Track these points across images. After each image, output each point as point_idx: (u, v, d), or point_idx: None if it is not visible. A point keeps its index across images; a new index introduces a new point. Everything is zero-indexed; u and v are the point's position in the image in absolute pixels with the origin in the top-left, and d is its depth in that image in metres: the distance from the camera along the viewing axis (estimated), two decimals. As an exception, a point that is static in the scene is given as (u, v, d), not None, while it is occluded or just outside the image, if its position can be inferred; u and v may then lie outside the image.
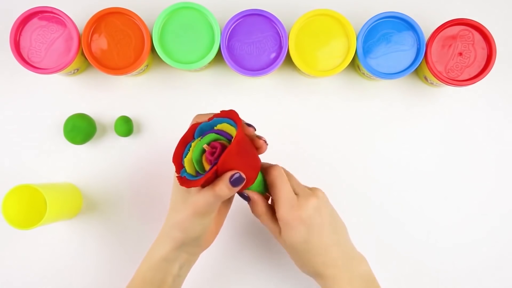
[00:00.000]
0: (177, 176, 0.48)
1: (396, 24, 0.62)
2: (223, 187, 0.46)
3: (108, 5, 0.61)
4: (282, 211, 0.51)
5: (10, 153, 0.66)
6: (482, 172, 0.67)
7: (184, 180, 0.47)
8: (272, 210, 0.54)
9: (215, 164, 0.46)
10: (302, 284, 0.66)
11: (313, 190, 0.54)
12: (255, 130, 0.50)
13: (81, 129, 0.63)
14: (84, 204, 0.66)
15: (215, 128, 0.49)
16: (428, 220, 0.67)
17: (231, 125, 0.48)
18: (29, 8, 0.60)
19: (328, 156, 0.67)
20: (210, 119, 0.50)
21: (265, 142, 0.50)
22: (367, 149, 0.67)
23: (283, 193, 0.51)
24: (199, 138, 0.48)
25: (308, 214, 0.51)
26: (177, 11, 0.61)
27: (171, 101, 0.67)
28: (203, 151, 0.48)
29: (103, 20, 0.61)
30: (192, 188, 0.49)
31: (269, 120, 0.67)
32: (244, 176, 0.47)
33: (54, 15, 0.61)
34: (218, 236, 0.55)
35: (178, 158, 0.49)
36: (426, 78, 0.65)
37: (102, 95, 0.67)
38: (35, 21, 0.61)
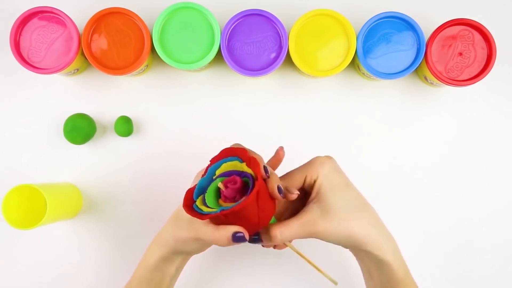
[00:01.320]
0: (184, 205, 0.46)
1: (396, 24, 0.62)
2: (224, 238, 0.45)
3: (108, 5, 0.61)
4: (308, 170, 0.50)
5: (10, 153, 0.66)
6: (482, 172, 0.67)
7: (191, 208, 0.46)
8: (288, 221, 0.49)
9: (229, 207, 0.44)
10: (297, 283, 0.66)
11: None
12: (268, 176, 0.47)
13: (81, 129, 0.63)
14: (84, 204, 0.66)
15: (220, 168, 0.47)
16: (428, 219, 0.67)
17: (237, 161, 0.46)
18: (29, 8, 0.60)
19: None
20: (207, 169, 0.48)
21: (297, 193, 0.48)
22: (367, 149, 0.67)
23: (296, 172, 0.51)
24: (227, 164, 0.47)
25: (333, 163, 0.51)
26: (177, 11, 0.61)
27: (171, 101, 0.67)
28: (217, 192, 0.47)
29: (103, 20, 0.61)
30: None
31: (269, 120, 0.67)
32: (247, 236, 0.45)
33: (54, 15, 0.61)
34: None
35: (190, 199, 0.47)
36: (426, 78, 0.65)
37: (102, 95, 0.67)
38: (35, 21, 0.61)
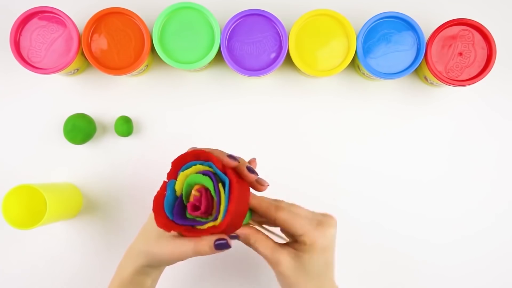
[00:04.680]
0: (155, 215, 0.44)
1: (396, 24, 0.62)
2: (205, 247, 0.44)
3: (108, 5, 0.61)
4: (308, 230, 0.48)
5: (10, 153, 0.66)
6: (482, 172, 0.67)
7: (165, 221, 0.44)
8: (268, 238, 0.51)
9: (212, 220, 0.43)
10: None
11: (327, 214, 0.50)
12: (239, 163, 0.45)
13: (81, 129, 0.63)
14: (84, 204, 0.66)
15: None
16: (427, 219, 0.67)
17: (209, 166, 0.45)
18: (29, 8, 0.60)
19: (328, 156, 0.67)
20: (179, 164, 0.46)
21: (268, 185, 0.48)
22: (366, 148, 0.67)
23: (300, 220, 0.48)
24: (184, 172, 0.45)
25: (332, 234, 0.49)
26: (177, 11, 0.61)
27: (171, 101, 0.67)
28: (189, 193, 0.45)
29: (103, 20, 0.61)
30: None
31: (268, 120, 0.67)
32: (230, 243, 0.44)
33: (54, 15, 0.61)
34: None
35: (160, 201, 0.45)
36: (426, 78, 0.65)
37: (102, 95, 0.67)
38: (35, 21, 0.61)
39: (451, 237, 0.67)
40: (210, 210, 0.44)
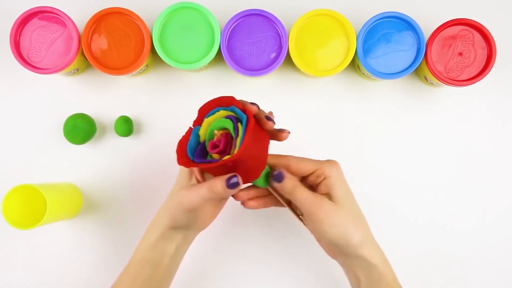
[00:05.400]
0: (177, 156, 0.46)
1: (396, 24, 0.62)
2: (218, 186, 0.46)
3: (108, 5, 0.61)
4: (320, 164, 0.52)
5: (10, 153, 0.66)
6: (482, 172, 0.67)
7: (186, 160, 0.46)
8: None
9: (225, 155, 0.45)
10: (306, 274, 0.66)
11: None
12: (259, 109, 0.47)
13: (81, 129, 0.63)
14: (84, 204, 0.66)
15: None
16: (427, 219, 0.67)
17: (235, 112, 0.47)
18: (29, 8, 0.60)
19: (328, 156, 0.67)
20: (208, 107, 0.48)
21: (289, 132, 0.50)
22: (366, 149, 0.67)
23: (310, 160, 0.52)
24: (208, 118, 0.47)
25: (338, 163, 0.53)
26: (177, 11, 0.61)
27: (171, 101, 0.67)
28: (212, 138, 0.47)
29: (103, 20, 0.61)
30: (187, 180, 0.50)
31: (269, 120, 0.67)
32: (241, 181, 0.46)
33: (54, 15, 0.61)
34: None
35: (184, 145, 0.48)
36: (426, 78, 0.65)
37: (102, 95, 0.67)
38: (35, 21, 0.61)
39: (452, 238, 0.67)
40: (228, 150, 0.46)
